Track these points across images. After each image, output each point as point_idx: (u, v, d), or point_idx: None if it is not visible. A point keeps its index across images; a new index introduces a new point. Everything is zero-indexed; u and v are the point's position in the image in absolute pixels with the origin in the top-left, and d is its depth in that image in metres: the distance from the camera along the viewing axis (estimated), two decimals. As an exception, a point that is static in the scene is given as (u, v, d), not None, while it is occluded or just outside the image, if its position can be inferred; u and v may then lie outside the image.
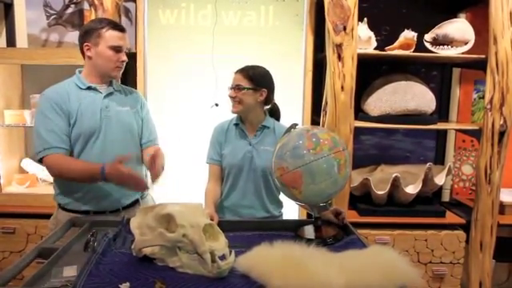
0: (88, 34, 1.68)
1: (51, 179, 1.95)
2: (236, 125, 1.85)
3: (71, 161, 1.66)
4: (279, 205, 1.91)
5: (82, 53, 1.72)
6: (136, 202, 1.82)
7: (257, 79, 1.77)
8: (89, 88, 1.72)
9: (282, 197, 1.86)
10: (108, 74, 1.72)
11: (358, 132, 2.44)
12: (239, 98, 1.76)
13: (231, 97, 1.77)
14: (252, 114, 1.81)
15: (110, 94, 1.76)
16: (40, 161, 1.66)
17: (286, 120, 1.88)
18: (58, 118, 1.65)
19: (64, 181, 1.71)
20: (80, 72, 1.76)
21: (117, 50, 1.68)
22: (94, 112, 1.70)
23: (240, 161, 1.79)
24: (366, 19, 2.26)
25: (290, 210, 2.07)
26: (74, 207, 1.71)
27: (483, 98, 2.29)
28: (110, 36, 1.66)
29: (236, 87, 1.76)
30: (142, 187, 1.65)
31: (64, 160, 1.65)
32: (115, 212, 1.75)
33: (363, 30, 2.23)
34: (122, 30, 1.71)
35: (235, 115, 1.87)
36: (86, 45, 1.68)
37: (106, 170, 1.56)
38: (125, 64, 1.74)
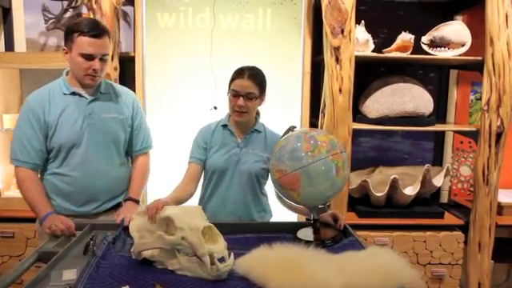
0: (65, 37, 1.63)
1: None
2: (224, 126, 1.75)
3: (30, 187, 1.65)
4: (267, 214, 1.81)
5: None
6: (119, 205, 1.80)
7: (263, 84, 1.69)
8: (73, 93, 1.68)
9: (273, 205, 1.82)
10: (81, 81, 1.66)
11: (356, 134, 2.45)
12: (248, 108, 1.64)
13: (240, 106, 1.63)
14: (248, 120, 1.73)
15: (95, 100, 1.70)
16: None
17: (284, 122, 1.87)
18: (31, 132, 1.63)
19: (47, 182, 1.70)
20: (67, 74, 1.71)
21: (87, 57, 1.59)
22: (76, 121, 1.66)
23: (224, 163, 1.69)
24: (363, 22, 2.27)
25: (290, 212, 2.07)
26: (58, 209, 1.68)
27: (480, 99, 2.30)
28: (80, 43, 1.57)
29: (246, 96, 1.62)
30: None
31: (27, 181, 1.65)
32: (97, 215, 1.73)
33: (361, 33, 2.24)
34: (96, 35, 1.58)
35: (223, 116, 1.79)
36: (63, 48, 1.65)
37: (44, 222, 1.56)
38: (102, 72, 1.65)
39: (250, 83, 1.62)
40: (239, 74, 1.65)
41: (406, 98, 2.28)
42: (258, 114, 1.80)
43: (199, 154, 1.75)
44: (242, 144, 1.73)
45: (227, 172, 1.70)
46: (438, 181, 2.34)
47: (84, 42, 1.58)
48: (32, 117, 1.63)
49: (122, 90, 1.84)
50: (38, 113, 1.64)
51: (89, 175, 1.69)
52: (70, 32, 1.60)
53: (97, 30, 1.59)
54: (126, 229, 1.47)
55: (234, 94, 1.64)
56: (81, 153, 1.67)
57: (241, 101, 1.62)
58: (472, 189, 2.41)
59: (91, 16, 2.15)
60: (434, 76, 2.66)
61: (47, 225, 1.53)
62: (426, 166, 2.29)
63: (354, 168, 2.51)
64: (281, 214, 1.87)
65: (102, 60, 1.64)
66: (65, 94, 1.68)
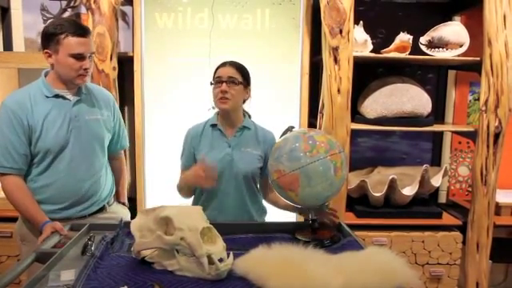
0: (47, 40, 1.57)
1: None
2: (213, 126, 1.74)
3: (22, 197, 1.61)
4: (263, 212, 1.82)
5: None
6: (102, 209, 1.79)
7: (246, 75, 1.70)
8: (56, 96, 1.64)
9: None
10: (72, 82, 1.64)
11: (354, 134, 2.45)
12: (231, 94, 1.63)
13: (223, 91, 1.63)
14: (235, 114, 1.71)
15: (79, 101, 1.67)
16: None
17: (282, 122, 1.87)
18: (14, 135, 1.57)
19: (30, 186, 1.66)
20: (46, 75, 1.67)
21: (78, 57, 1.57)
22: (62, 124, 1.62)
23: (218, 165, 1.65)
24: (361, 22, 2.28)
25: (288, 212, 2.07)
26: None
27: (478, 99, 2.30)
28: (69, 43, 1.55)
29: (229, 80, 1.63)
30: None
31: (16, 190, 1.61)
32: (81, 218, 1.71)
33: (359, 33, 2.25)
34: (82, 34, 1.57)
35: (211, 116, 1.78)
36: (46, 52, 1.58)
37: (42, 229, 1.53)
38: (90, 71, 1.65)
39: (231, 69, 1.67)
40: (221, 64, 1.71)
41: (404, 98, 2.28)
42: (246, 112, 1.80)
43: (188, 161, 1.75)
44: (233, 142, 1.71)
45: (223, 174, 1.67)
46: (437, 181, 2.34)
47: (73, 43, 1.56)
48: (14, 119, 1.57)
49: (99, 89, 1.83)
50: (20, 116, 1.58)
51: (75, 179, 1.67)
52: (54, 35, 1.55)
53: (82, 30, 1.59)
54: (126, 227, 1.48)
55: (217, 81, 1.66)
56: (67, 157, 1.64)
57: (224, 86, 1.63)
58: (470, 189, 2.41)
59: (90, 16, 2.15)
60: (432, 76, 2.67)
61: (43, 234, 1.52)
62: (425, 166, 2.30)
63: (352, 168, 2.52)
64: (278, 212, 1.87)
65: (90, 58, 1.63)
66: (47, 96, 1.63)
